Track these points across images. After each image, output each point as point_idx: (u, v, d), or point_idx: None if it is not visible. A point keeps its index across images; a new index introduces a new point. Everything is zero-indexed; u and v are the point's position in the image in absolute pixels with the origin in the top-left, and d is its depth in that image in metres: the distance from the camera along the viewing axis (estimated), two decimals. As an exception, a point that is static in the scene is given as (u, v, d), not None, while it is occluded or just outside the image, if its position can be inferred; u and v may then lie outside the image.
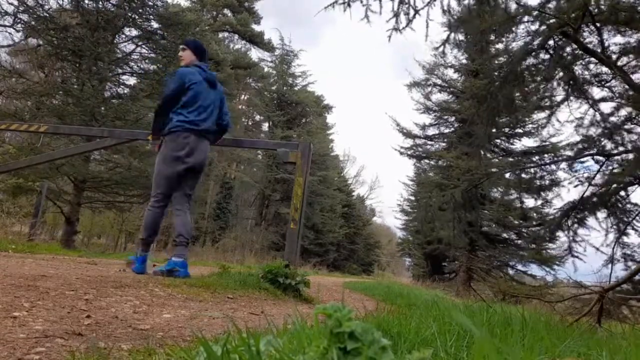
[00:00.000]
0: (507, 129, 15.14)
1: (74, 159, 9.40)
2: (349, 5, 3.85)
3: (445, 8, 4.16)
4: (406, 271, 41.23)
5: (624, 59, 4.11)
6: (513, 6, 4.01)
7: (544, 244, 10.43)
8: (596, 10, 3.75)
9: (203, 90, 3.53)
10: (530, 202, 14.76)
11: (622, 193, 4.20)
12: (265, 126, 28.27)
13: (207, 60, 3.82)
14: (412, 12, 3.91)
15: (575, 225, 4.41)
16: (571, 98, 4.38)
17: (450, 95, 17.55)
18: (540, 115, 13.09)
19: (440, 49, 4.33)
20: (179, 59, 3.72)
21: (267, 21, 60.81)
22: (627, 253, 4.18)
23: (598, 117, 4.38)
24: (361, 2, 3.87)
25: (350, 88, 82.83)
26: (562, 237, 4.81)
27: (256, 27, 26.74)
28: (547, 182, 5.12)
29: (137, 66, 11.69)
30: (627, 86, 3.99)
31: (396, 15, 3.94)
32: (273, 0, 62.38)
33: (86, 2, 10.28)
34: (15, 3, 9.59)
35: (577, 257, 4.69)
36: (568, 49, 4.11)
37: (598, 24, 3.75)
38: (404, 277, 33.42)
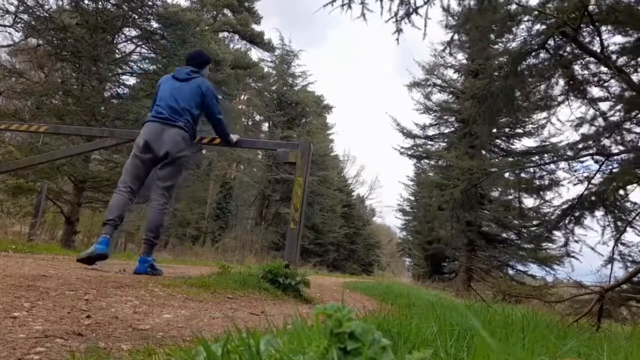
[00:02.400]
0: (507, 129, 15.14)
1: (74, 159, 9.40)
2: (349, 6, 3.85)
3: (445, 7, 4.16)
4: (406, 271, 41.23)
5: (623, 59, 4.11)
6: (513, 6, 4.01)
7: (543, 244, 10.43)
8: (596, 9, 3.76)
9: (166, 85, 3.67)
10: (529, 201, 14.77)
11: (621, 192, 4.21)
12: (265, 126, 28.27)
13: (199, 63, 3.87)
14: (411, 10, 3.91)
15: (573, 225, 4.41)
16: (571, 97, 4.38)
17: (450, 96, 17.54)
18: (540, 115, 13.10)
19: (446, 50, 4.35)
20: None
21: (271, 21, 60.92)
22: (626, 253, 4.18)
23: (598, 117, 4.38)
24: (361, 2, 3.87)
25: (350, 88, 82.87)
26: (560, 236, 4.82)
27: (256, 27, 26.77)
28: (546, 181, 5.12)
29: (137, 66, 11.69)
30: (625, 86, 3.99)
31: (395, 14, 3.94)
32: (277, 1, 62.47)
33: (86, 2, 10.28)
34: (15, 3, 9.60)
35: (573, 256, 4.70)
36: (568, 49, 4.11)
37: (597, 24, 3.75)
38: (404, 277, 33.42)
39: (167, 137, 3.49)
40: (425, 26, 4.02)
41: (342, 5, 3.86)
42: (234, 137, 4.10)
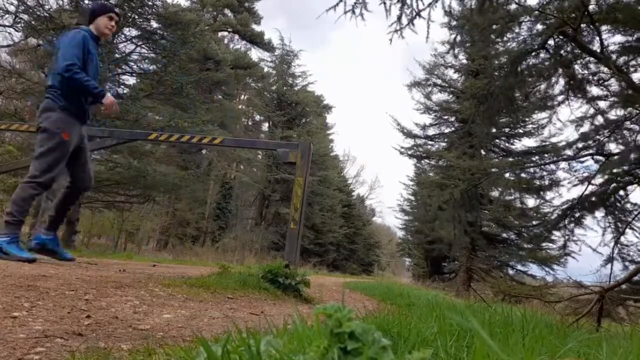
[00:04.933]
0: (507, 129, 15.14)
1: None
2: (352, 12, 3.86)
3: (447, 9, 4.17)
4: (406, 271, 41.25)
5: (623, 58, 4.12)
6: (513, 6, 4.02)
7: (543, 244, 10.43)
8: (596, 9, 3.76)
9: None
10: (530, 201, 14.76)
11: (622, 192, 4.21)
12: (265, 126, 28.27)
13: (90, 19, 3.46)
14: (413, 13, 3.92)
15: (572, 225, 4.42)
16: (571, 97, 4.38)
17: (451, 95, 17.54)
18: (540, 115, 13.10)
19: (450, 52, 4.37)
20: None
21: (276, 22, 60.94)
22: (626, 253, 4.18)
23: (598, 116, 4.38)
24: (362, 4, 3.88)
25: (350, 88, 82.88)
26: (560, 236, 4.82)
27: (256, 27, 26.79)
28: (546, 181, 5.12)
29: (137, 66, 11.69)
30: (625, 85, 3.99)
31: (398, 18, 3.95)
32: (281, 1, 62.52)
33: (86, 2, 10.28)
34: (16, 3, 9.60)
35: (572, 257, 4.70)
36: (568, 49, 4.12)
37: (597, 24, 3.75)
38: (404, 277, 33.43)
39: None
40: (428, 28, 4.03)
41: (345, 12, 3.87)
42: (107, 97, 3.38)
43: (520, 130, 15.24)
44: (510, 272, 15.60)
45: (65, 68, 3.14)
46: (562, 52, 4.13)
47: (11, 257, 3.01)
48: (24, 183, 3.15)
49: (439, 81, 17.44)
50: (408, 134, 17.92)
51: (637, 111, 4.16)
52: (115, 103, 3.41)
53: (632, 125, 4.25)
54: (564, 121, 8.34)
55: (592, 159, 4.45)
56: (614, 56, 4.03)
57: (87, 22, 3.47)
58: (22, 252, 3.12)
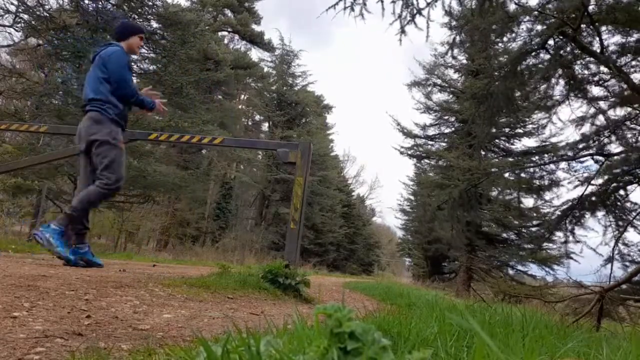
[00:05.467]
0: (507, 129, 15.13)
1: (74, 159, 9.40)
2: (352, 9, 3.86)
3: (447, 9, 4.17)
4: (406, 271, 41.26)
5: (623, 59, 4.12)
6: (513, 6, 4.02)
7: (543, 244, 10.43)
8: (596, 9, 3.76)
9: (88, 72, 3.58)
10: (529, 201, 14.75)
11: (622, 192, 4.21)
12: (265, 126, 28.27)
13: (117, 35, 3.63)
14: (414, 11, 3.92)
15: (573, 225, 4.42)
16: (571, 97, 4.38)
17: (451, 95, 17.54)
18: (540, 115, 13.10)
19: (449, 53, 4.37)
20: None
21: (276, 22, 60.98)
22: (626, 253, 4.18)
23: (598, 117, 4.38)
24: (362, 4, 3.88)
25: (350, 88, 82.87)
26: (560, 237, 4.82)
27: (256, 27, 26.76)
28: (546, 181, 5.12)
29: (137, 66, 11.69)
30: (625, 85, 3.99)
31: (399, 16, 3.95)
32: (282, 1, 62.54)
33: (86, 2, 10.29)
34: (16, 2, 9.60)
35: (572, 257, 4.70)
36: (568, 49, 4.12)
37: (597, 24, 3.75)
38: (404, 277, 33.44)
39: (80, 129, 3.41)
40: (427, 27, 4.03)
41: (345, 8, 3.87)
42: (156, 100, 3.73)
43: (520, 130, 15.23)
44: (510, 272, 15.59)
45: (133, 94, 3.50)
46: (562, 52, 4.13)
47: (94, 265, 3.33)
48: (96, 186, 3.33)
49: (439, 81, 17.43)
50: (408, 134, 17.92)
51: (637, 111, 4.16)
52: (158, 98, 3.76)
53: (632, 125, 4.25)
54: (564, 121, 8.34)
55: (592, 159, 4.45)
56: (614, 56, 4.03)
57: (118, 38, 3.62)
58: (98, 259, 3.48)
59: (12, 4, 9.59)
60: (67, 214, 3.31)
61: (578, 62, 4.25)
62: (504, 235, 15.84)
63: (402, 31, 4.01)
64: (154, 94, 3.79)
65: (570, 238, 4.47)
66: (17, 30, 10.25)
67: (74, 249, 3.41)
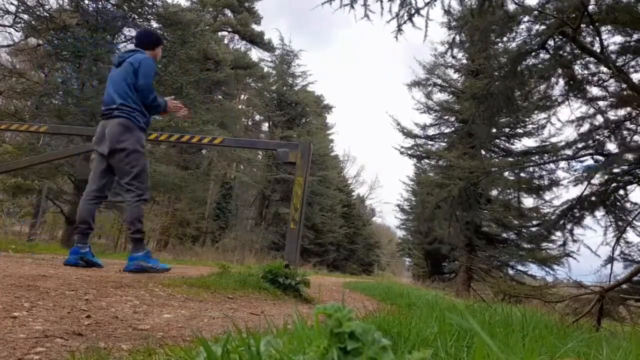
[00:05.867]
0: (507, 129, 15.13)
1: (73, 159, 9.40)
2: (352, 6, 3.86)
3: (446, 8, 4.17)
4: (406, 271, 41.27)
5: (623, 59, 4.12)
6: (513, 6, 4.02)
7: (543, 244, 10.42)
8: (596, 9, 3.76)
9: (109, 76, 3.57)
10: (529, 201, 14.75)
11: (621, 192, 4.21)
12: (265, 126, 28.27)
13: (142, 44, 3.64)
14: (412, 11, 3.92)
15: (572, 225, 4.41)
16: (571, 97, 4.38)
17: (451, 95, 17.54)
18: (540, 115, 13.09)
19: (449, 52, 4.36)
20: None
21: (277, 22, 61.03)
22: (626, 253, 4.18)
23: (598, 117, 4.38)
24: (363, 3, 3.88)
25: (350, 88, 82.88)
26: (560, 236, 4.82)
27: (256, 27, 26.75)
28: (546, 181, 5.12)
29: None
30: (624, 85, 3.99)
31: (397, 15, 3.95)
32: (282, 2, 62.59)
33: (86, 2, 10.28)
34: (16, 3, 9.60)
35: (572, 257, 4.70)
36: (567, 49, 4.12)
37: (597, 24, 3.75)
38: (404, 277, 33.44)
39: (107, 130, 3.38)
40: (426, 27, 4.03)
41: (343, 5, 3.87)
42: (169, 100, 3.73)
43: (520, 130, 15.24)
44: (510, 272, 15.59)
45: (153, 100, 3.51)
46: (561, 52, 4.13)
47: (158, 269, 3.36)
48: (133, 203, 3.39)
49: (439, 81, 17.43)
50: (408, 134, 17.92)
51: (637, 111, 4.16)
52: (177, 103, 3.77)
53: (631, 126, 4.25)
54: (564, 121, 8.33)
55: (592, 158, 4.45)
56: (613, 56, 4.03)
57: (145, 46, 3.64)
58: (161, 264, 3.51)
59: (12, 4, 9.59)
60: (134, 239, 3.40)
61: (578, 62, 4.25)
62: (504, 235, 15.84)
63: (399, 30, 4.01)
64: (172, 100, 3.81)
65: (570, 238, 4.47)
66: (17, 30, 10.25)
67: (75, 248, 3.42)
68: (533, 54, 4.10)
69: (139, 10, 11.08)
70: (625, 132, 4.21)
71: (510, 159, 14.36)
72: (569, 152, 4.69)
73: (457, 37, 4.62)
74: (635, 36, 3.96)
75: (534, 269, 14.24)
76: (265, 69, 27.30)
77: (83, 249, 3.41)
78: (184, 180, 13.96)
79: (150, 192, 3.58)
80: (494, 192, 11.32)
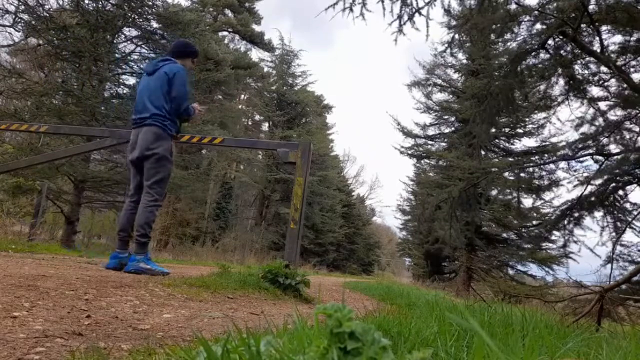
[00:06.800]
0: (507, 129, 15.13)
1: (73, 159, 9.40)
2: (350, 9, 3.86)
3: (446, 7, 4.17)
4: (406, 271, 41.26)
5: (623, 59, 4.12)
6: (513, 6, 4.02)
7: (543, 244, 10.42)
8: (596, 9, 3.76)
9: (140, 84, 3.66)
10: (529, 201, 14.75)
11: (621, 192, 4.20)
12: (265, 126, 28.26)
13: (175, 53, 3.72)
14: (413, 10, 3.92)
15: (572, 225, 4.41)
16: (571, 97, 4.38)
17: (451, 95, 17.55)
18: (540, 115, 13.09)
19: (448, 51, 4.37)
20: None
21: (277, 22, 61.04)
22: (626, 253, 4.18)
23: (598, 117, 4.38)
24: (361, 3, 3.88)
25: (350, 88, 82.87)
26: (559, 237, 4.81)
27: (256, 27, 26.75)
28: (546, 181, 5.12)
29: (137, 66, 11.68)
30: (625, 85, 3.99)
31: (399, 17, 3.94)
32: (282, 2, 62.61)
33: (86, 2, 10.28)
34: (16, 2, 9.59)
35: (571, 257, 4.70)
36: (567, 49, 4.12)
37: (597, 24, 3.75)
38: (404, 277, 33.45)
39: (139, 138, 3.49)
40: (427, 27, 4.03)
41: (344, 9, 3.87)
42: (196, 106, 3.83)
43: (520, 130, 15.23)
44: (510, 272, 15.60)
45: (185, 109, 3.61)
46: (562, 52, 4.13)
47: (155, 272, 3.39)
48: (148, 206, 3.45)
49: (439, 81, 17.43)
50: (408, 134, 17.92)
51: (637, 111, 4.16)
52: (198, 108, 3.83)
53: (631, 126, 4.25)
54: (564, 121, 8.33)
55: (592, 158, 4.45)
56: (614, 56, 4.03)
57: (179, 56, 3.72)
58: (160, 267, 3.55)
59: (11, 4, 9.59)
60: (139, 242, 3.45)
61: (578, 61, 4.25)
62: (504, 235, 15.84)
63: (400, 30, 4.01)
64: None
65: (570, 238, 4.47)
66: (17, 30, 10.23)
67: (115, 253, 3.57)
68: (533, 53, 4.10)
69: (139, 10, 11.07)
70: (625, 132, 4.21)
71: (510, 159, 14.36)
72: (569, 152, 4.69)
73: (457, 37, 4.62)
74: (635, 36, 3.96)
75: (534, 269, 14.24)
76: (265, 69, 27.31)
77: (122, 254, 3.54)
78: (184, 180, 13.96)
79: (163, 200, 3.67)
80: (494, 192, 11.32)
